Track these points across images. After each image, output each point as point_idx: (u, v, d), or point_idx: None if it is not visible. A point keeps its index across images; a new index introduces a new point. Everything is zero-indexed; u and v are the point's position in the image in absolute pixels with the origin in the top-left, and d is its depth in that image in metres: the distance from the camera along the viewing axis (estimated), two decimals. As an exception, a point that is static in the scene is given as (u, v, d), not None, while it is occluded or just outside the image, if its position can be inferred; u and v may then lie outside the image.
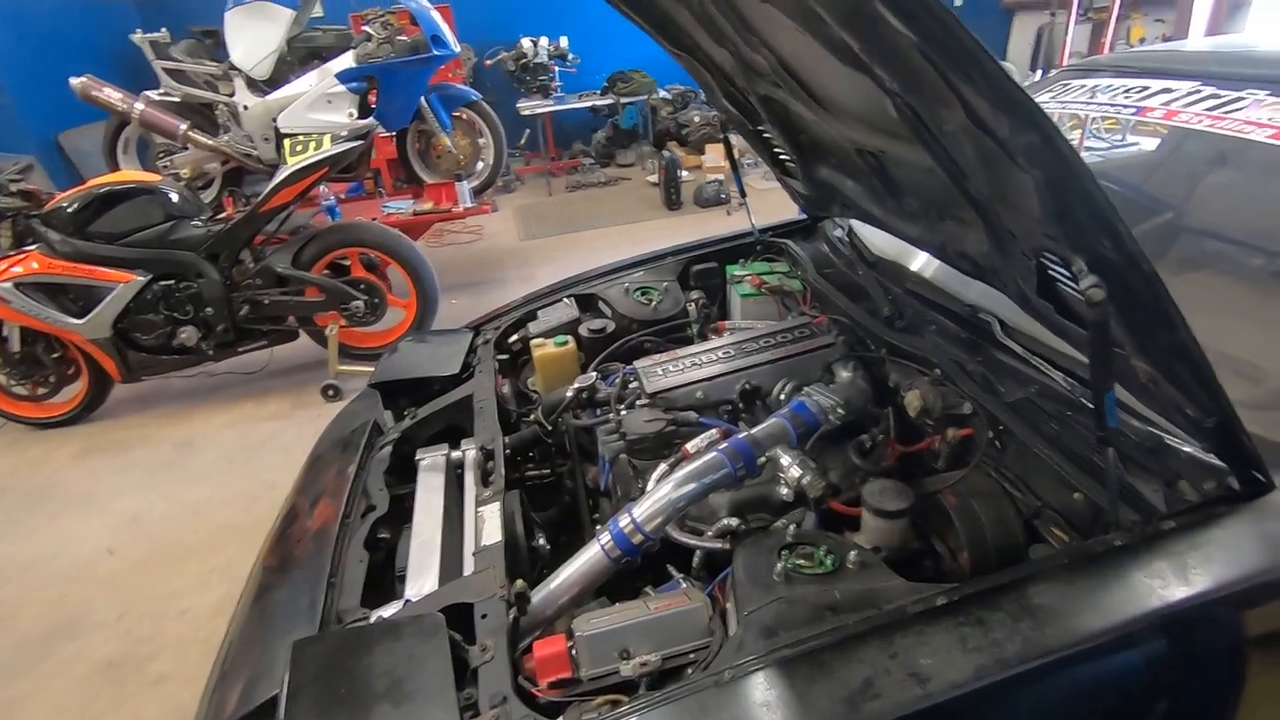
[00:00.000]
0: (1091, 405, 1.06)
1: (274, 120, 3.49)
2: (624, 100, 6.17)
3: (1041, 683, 0.77)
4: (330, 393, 3.13)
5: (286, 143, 2.83)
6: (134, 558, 2.32)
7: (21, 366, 2.95)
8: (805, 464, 1.16)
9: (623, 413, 1.40)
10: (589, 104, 6.21)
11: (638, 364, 1.49)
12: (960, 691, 0.74)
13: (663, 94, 6.40)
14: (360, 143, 2.87)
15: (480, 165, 4.07)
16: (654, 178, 6.19)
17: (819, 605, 0.88)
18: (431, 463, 1.63)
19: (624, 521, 1.12)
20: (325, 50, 3.63)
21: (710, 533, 1.19)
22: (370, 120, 3.06)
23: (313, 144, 2.81)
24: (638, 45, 6.92)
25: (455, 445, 1.65)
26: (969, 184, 0.96)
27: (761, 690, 0.79)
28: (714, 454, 1.16)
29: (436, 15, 3.47)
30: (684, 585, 1.16)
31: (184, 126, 3.54)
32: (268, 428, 3.02)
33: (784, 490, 1.17)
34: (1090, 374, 0.82)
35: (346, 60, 3.45)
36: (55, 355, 2.98)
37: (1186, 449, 0.96)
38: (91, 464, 2.91)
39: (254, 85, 3.51)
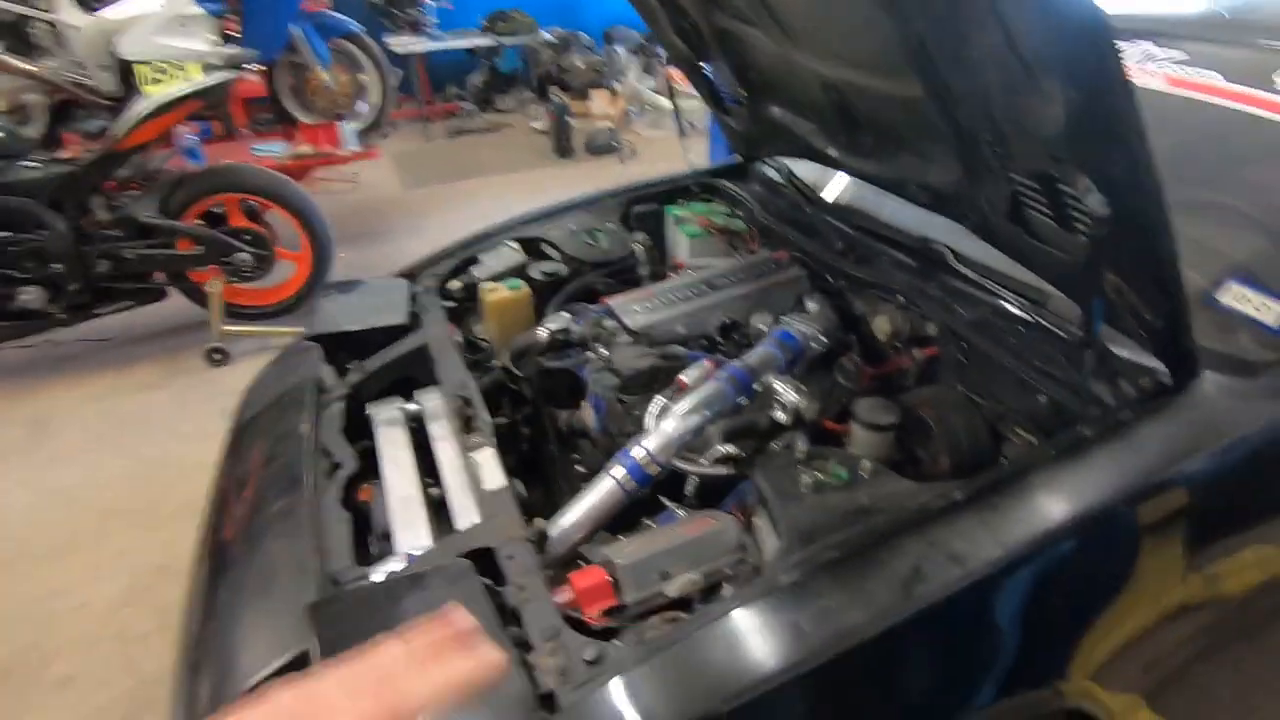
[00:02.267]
0: (1043, 321, 1.21)
1: (112, 45, 2.98)
2: (504, 41, 5.86)
3: (1052, 551, 0.89)
4: (216, 357, 2.83)
5: (141, 70, 2.44)
6: (-2, 558, 2.02)
7: None
8: (798, 388, 1.22)
9: (603, 351, 1.39)
10: (468, 43, 5.85)
11: (611, 302, 1.48)
12: (993, 568, 0.84)
13: (545, 36, 6.15)
14: (235, 74, 2.54)
15: (363, 105, 3.73)
16: (539, 124, 6.00)
17: (851, 509, 0.95)
18: (387, 417, 1.54)
19: (637, 453, 1.14)
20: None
21: (706, 461, 1.23)
22: (247, 50, 2.70)
23: (177, 73, 2.45)
24: (513, -19, 6.58)
25: (408, 397, 1.58)
26: (960, 112, 1.03)
27: (820, 588, 0.85)
28: (716, 383, 1.20)
29: (305, -69, 3.10)
30: (682, 514, 1.20)
31: (-8, 48, 2.94)
32: (140, 399, 2.69)
33: (779, 414, 1.23)
34: (1078, 294, 0.92)
35: (200, -23, 3.00)
36: None
37: (1123, 353, 1.11)
38: (-85, 454, 2.45)
39: (82, 0, 2.97)
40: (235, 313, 2.92)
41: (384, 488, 1.35)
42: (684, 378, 1.27)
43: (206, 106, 2.62)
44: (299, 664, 0.93)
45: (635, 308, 1.44)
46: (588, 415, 1.43)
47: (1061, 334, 1.17)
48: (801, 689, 0.79)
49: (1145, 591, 0.99)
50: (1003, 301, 1.29)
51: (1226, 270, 1.18)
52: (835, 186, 1.89)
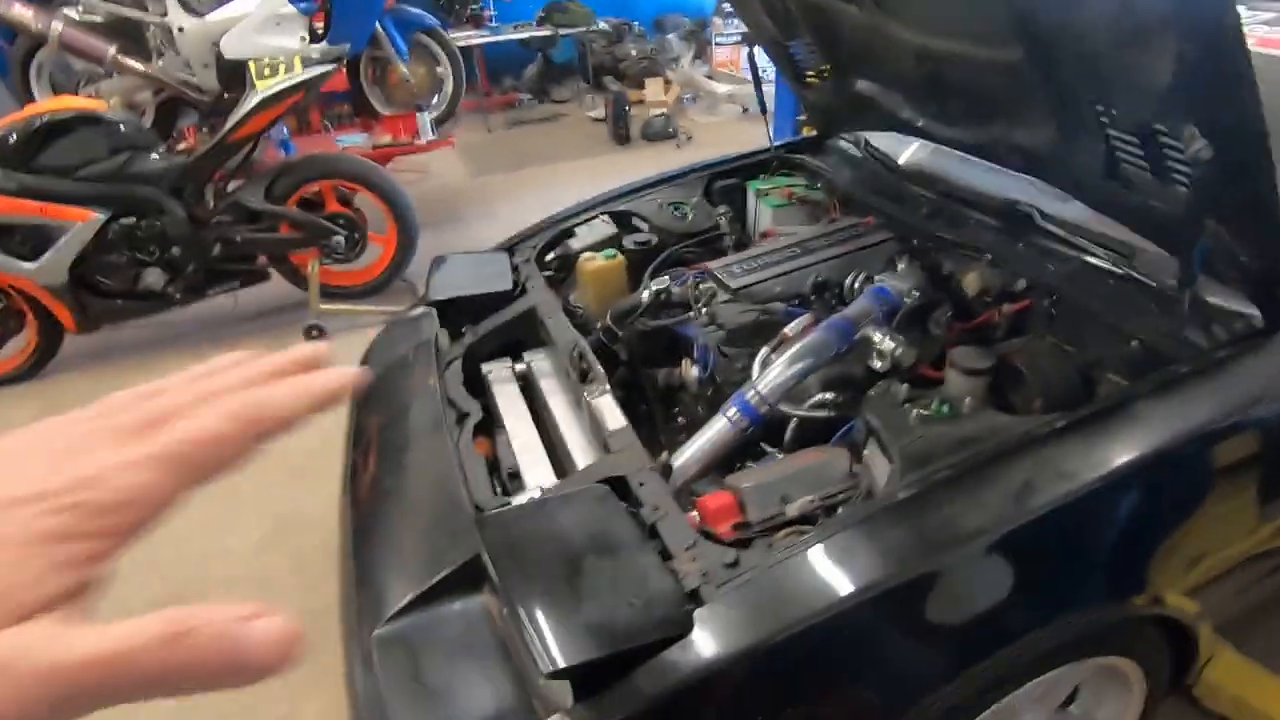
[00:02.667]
0: (1133, 273, 1.27)
1: (215, 44, 3.21)
2: (562, 32, 5.99)
3: (1148, 473, 0.97)
4: (314, 333, 3.03)
5: (252, 65, 2.63)
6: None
7: (-43, 321, 2.68)
8: (896, 337, 1.31)
9: (705, 310, 1.51)
10: (525, 35, 6.00)
11: (712, 265, 1.59)
12: (1103, 482, 0.93)
13: (602, 25, 6.25)
14: (335, 66, 2.72)
15: (436, 97, 3.91)
16: (595, 113, 6.11)
17: (958, 438, 1.04)
18: (500, 374, 1.69)
19: (750, 395, 1.25)
20: (267, -34, 3.33)
21: (807, 406, 1.33)
22: (344, 45, 2.88)
23: (282, 67, 2.64)
24: (567, -27, 6.68)
25: (517, 358, 1.72)
26: (1062, 74, 1.10)
27: (938, 500, 0.94)
28: (820, 333, 1.30)
29: (388, -70, 3.26)
30: (781, 457, 1.31)
31: (112, 50, 3.19)
32: (251, 372, 2.91)
33: (877, 362, 1.32)
34: (1184, 228, 0.99)
35: (292, -22, 3.20)
36: (0, 306, 2.73)
37: (1213, 298, 1.17)
38: (59, 421, 2.71)
39: (188, 4, 3.20)
40: (328, 292, 3.12)
41: (507, 434, 1.50)
42: (787, 330, 1.37)
43: (306, 98, 2.80)
44: (472, 566, 1.08)
45: (734, 270, 1.55)
46: (688, 370, 1.55)
47: (1152, 284, 1.23)
48: (924, 587, 0.89)
49: (1222, 524, 1.06)
50: (1090, 257, 1.35)
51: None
52: (908, 154, 1.95)
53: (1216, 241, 1.06)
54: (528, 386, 1.66)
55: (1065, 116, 1.18)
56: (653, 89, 6.21)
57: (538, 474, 1.38)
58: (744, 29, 6.60)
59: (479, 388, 1.64)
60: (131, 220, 2.66)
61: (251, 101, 2.60)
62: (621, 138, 5.45)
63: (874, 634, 0.89)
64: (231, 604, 0.26)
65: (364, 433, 1.63)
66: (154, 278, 2.76)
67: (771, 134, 2.18)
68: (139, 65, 3.28)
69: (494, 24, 5.99)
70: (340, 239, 2.94)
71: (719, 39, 6.78)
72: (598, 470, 1.19)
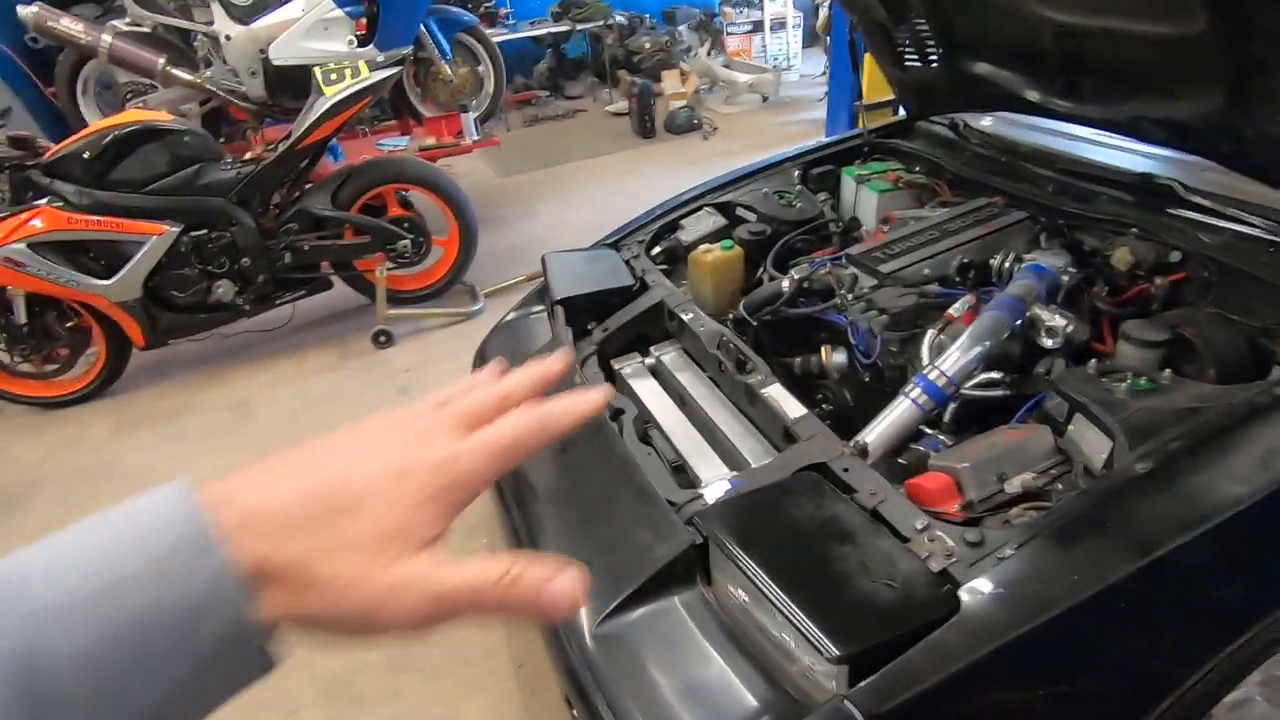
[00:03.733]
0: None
1: (261, 51, 3.17)
2: (579, 27, 5.97)
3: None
4: (382, 339, 3.02)
5: (318, 71, 2.60)
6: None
7: (30, 340, 2.65)
8: (1065, 314, 1.32)
9: (852, 298, 1.51)
10: (543, 31, 5.97)
11: (852, 251, 1.59)
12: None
13: (618, 18, 6.23)
14: (400, 69, 2.70)
15: (476, 98, 3.89)
16: (614, 107, 6.10)
17: (1175, 409, 1.06)
18: (633, 369, 1.69)
19: (934, 375, 1.25)
20: (311, -29, 3.30)
21: (974, 385, 1.34)
22: (406, 48, 2.85)
23: (348, 72, 2.61)
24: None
25: (645, 353, 1.72)
26: (1253, 45, 1.11)
27: (1182, 472, 0.96)
28: (995, 312, 1.30)
29: (431, -70, 3.23)
30: (943, 439, 1.32)
31: (162, 61, 3.15)
32: (324, 381, 2.89)
33: (1048, 340, 1.33)
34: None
35: (338, -19, 3.17)
36: (69, 324, 2.69)
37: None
38: (136, 438, 2.69)
39: (232, 11, 3.16)
40: (391, 297, 3.10)
41: (661, 429, 1.50)
42: (951, 312, 1.38)
43: (372, 101, 2.78)
44: (682, 560, 1.08)
45: (877, 255, 1.55)
46: (828, 357, 1.55)
47: (1319, 250, 1.25)
48: (1185, 560, 0.90)
49: None
50: (1243, 226, 1.37)
51: None
52: (996, 131, 1.96)
53: None
54: (661, 380, 1.67)
55: (1239, 86, 1.19)
56: (670, 81, 6.20)
57: (709, 467, 1.39)
58: (763, 19, 6.61)
59: (613, 383, 1.64)
60: (203, 232, 2.63)
61: (321, 108, 2.58)
62: (646, 131, 5.44)
63: (1138, 611, 0.90)
64: (545, 562, 0.34)
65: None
66: (225, 289, 2.74)
67: (825, 130, 2.20)
68: (188, 75, 3.24)
69: (511, 21, 5.95)
70: (407, 242, 2.92)
71: (730, 28, 6.78)
72: (792, 459, 1.20)
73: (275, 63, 3.16)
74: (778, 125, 5.50)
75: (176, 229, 2.56)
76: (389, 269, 2.95)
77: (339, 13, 3.16)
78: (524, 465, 1.50)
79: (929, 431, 1.36)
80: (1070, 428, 1.15)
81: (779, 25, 6.71)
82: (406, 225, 2.93)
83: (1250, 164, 1.30)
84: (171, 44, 3.23)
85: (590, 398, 0.40)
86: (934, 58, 1.85)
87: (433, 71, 3.68)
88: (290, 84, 3.19)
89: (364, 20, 3.33)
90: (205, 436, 2.65)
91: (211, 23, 3.17)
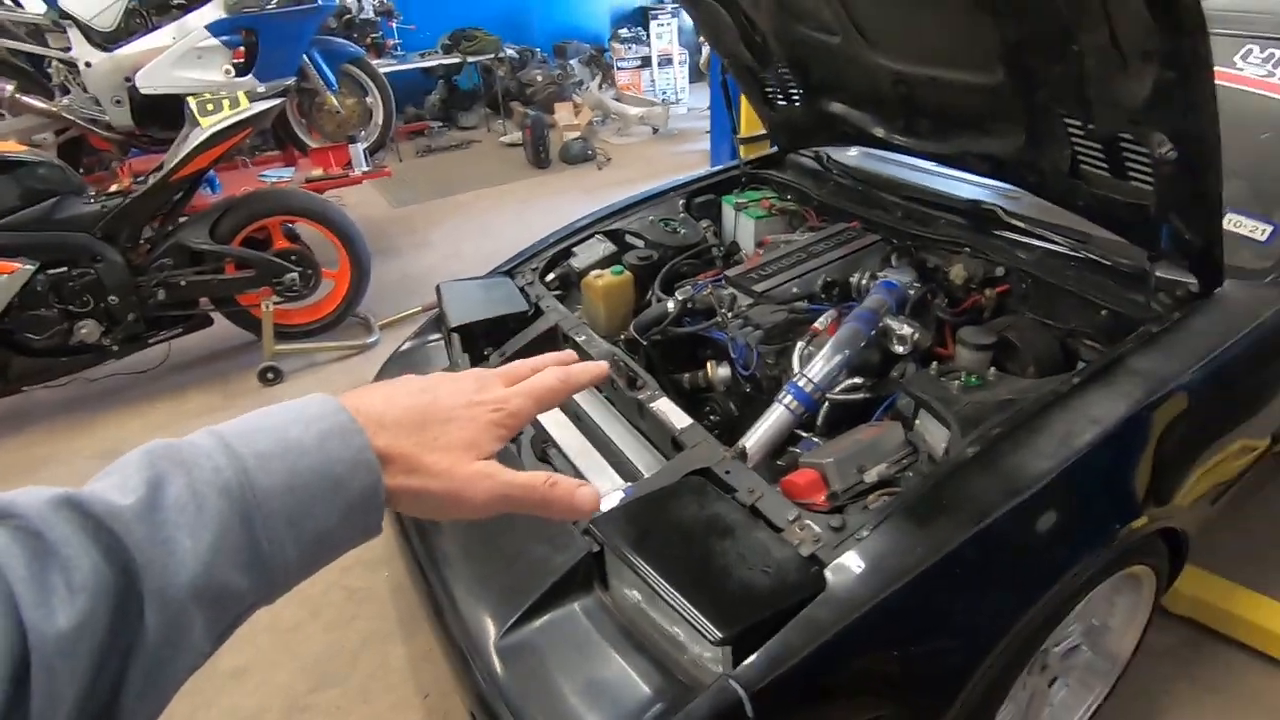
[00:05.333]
0: (1091, 255, 1.52)
1: (127, 79, 3.01)
2: (469, 60, 6.01)
3: (1154, 409, 1.19)
4: (270, 376, 2.90)
5: (193, 101, 2.51)
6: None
7: None
8: (911, 323, 1.50)
9: (732, 316, 1.64)
10: (434, 63, 5.97)
11: (729, 274, 1.73)
12: (1121, 422, 1.14)
13: (509, 52, 6.32)
14: (282, 100, 2.65)
15: (364, 129, 3.84)
16: (509, 138, 6.16)
17: (996, 401, 1.23)
18: (531, 392, 1.74)
19: (802, 382, 1.39)
20: (182, -1, 3.18)
21: (839, 391, 1.49)
22: (287, 78, 2.79)
23: (226, 103, 2.54)
24: (463, 3, 6.74)
25: (542, 376, 1.78)
26: (1041, 94, 1.33)
27: (998, 453, 1.12)
28: (851, 324, 1.46)
29: (312, -39, 3.20)
30: (817, 441, 1.46)
31: (10, 88, 2.91)
32: (207, 422, 2.72)
33: (898, 346, 1.50)
34: (1155, 210, 1.24)
35: (214, 10, 3.06)
36: (-97, 374, 2.43)
37: (1159, 273, 1.44)
38: (-16, 495, 2.44)
39: (93, 37, 2.98)
40: (279, 332, 3.00)
41: (559, 447, 1.56)
42: (816, 325, 1.53)
43: (252, 133, 2.71)
44: (579, 568, 1.14)
45: (752, 276, 1.69)
46: (714, 371, 1.67)
47: (1107, 263, 1.49)
48: (1006, 526, 1.06)
49: (1210, 440, 1.31)
50: (1051, 244, 1.60)
51: (1224, 205, 1.52)
52: (854, 163, 2.19)
53: (1168, 221, 1.32)
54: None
55: (1035, 128, 1.42)
56: (563, 113, 6.33)
57: (604, 479, 1.46)
58: (650, 55, 6.91)
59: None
60: (62, 270, 2.46)
61: (197, 139, 2.49)
62: (541, 161, 5.53)
63: (973, 572, 1.05)
64: (572, 479, 0.49)
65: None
66: (89, 330, 2.56)
67: (710, 160, 2.37)
68: (41, 103, 3.03)
69: (399, 52, 5.91)
70: (294, 275, 2.84)
71: (620, 63, 7.04)
72: (680, 465, 1.29)
73: (143, 91, 3.01)
74: (668, 155, 5.74)
75: (30, 267, 2.38)
76: (276, 303, 2.86)
77: (214, 41, 3.07)
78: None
79: (805, 435, 1.49)
80: (917, 422, 1.31)
81: (666, 61, 7.03)
82: (293, 258, 2.86)
83: (1050, 192, 1.53)
84: (21, 70, 3.01)
85: (600, 364, 0.57)
86: (796, 98, 2.04)
87: (318, 102, 3.62)
88: (160, 113, 3.05)
89: (242, 49, 3.25)
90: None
91: (69, 49, 2.99)
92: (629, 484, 1.36)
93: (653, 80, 7.06)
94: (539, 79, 6.58)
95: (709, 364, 1.70)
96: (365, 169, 3.60)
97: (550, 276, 2.05)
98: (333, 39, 3.61)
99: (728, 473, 1.24)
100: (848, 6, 1.54)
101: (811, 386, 1.39)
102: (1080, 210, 1.49)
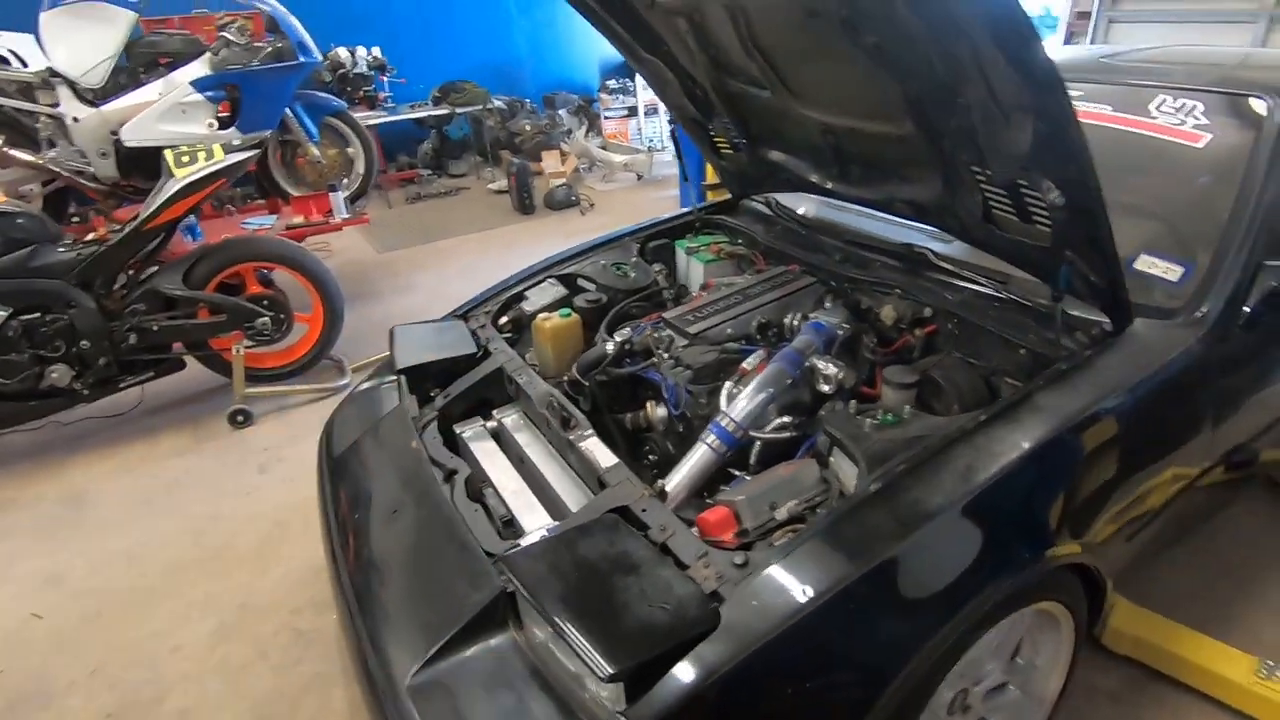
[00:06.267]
0: (1011, 296, 1.57)
1: (113, 134, 3.13)
2: (459, 111, 6.21)
3: (1057, 445, 1.21)
4: (240, 419, 2.94)
5: (169, 154, 2.61)
6: (76, 615, 2.07)
7: None
8: (837, 363, 1.54)
9: (667, 356, 1.68)
10: (423, 114, 6.16)
11: (667, 315, 1.77)
12: (1021, 458, 1.16)
13: (497, 103, 6.53)
14: (255, 152, 2.75)
15: (347, 178, 3.96)
16: (496, 185, 6.32)
17: (906, 438, 1.26)
18: (475, 433, 1.78)
19: (725, 422, 1.42)
20: (170, 56, 3.31)
21: (769, 429, 1.52)
22: (263, 131, 2.90)
23: (201, 154, 2.64)
24: (456, 56, 6.99)
25: (487, 417, 1.82)
26: (945, 144, 1.40)
27: (900, 488, 1.14)
28: (776, 365, 1.50)
29: (296, 20, 3.35)
30: (747, 479, 1.48)
31: (-1, 141, 3.04)
32: (176, 464, 2.76)
33: (825, 386, 1.54)
34: (1049, 257, 1.28)
35: (200, 68, 3.20)
36: (-128, 418, 2.47)
37: (1074, 310, 1.48)
38: (-55, 539, 2.46)
39: (82, 95, 3.11)
40: (252, 375, 3.04)
41: (494, 486, 1.58)
42: (745, 365, 1.57)
43: (227, 184, 2.80)
44: (494, 606, 1.16)
45: (688, 318, 1.74)
46: (653, 411, 1.70)
47: (1027, 304, 1.53)
48: (903, 560, 1.08)
49: (1122, 477, 1.33)
50: (976, 286, 1.65)
51: (1138, 247, 1.57)
52: (803, 209, 2.25)
53: (1073, 267, 1.36)
54: (501, 441, 1.76)
55: (949, 175, 1.48)
56: (550, 161, 6.51)
57: (534, 518, 1.48)
58: (636, 104, 7.13)
59: (455, 448, 1.71)
60: (35, 316, 2.52)
61: (171, 189, 2.57)
62: (526, 207, 5.66)
63: (868, 606, 1.06)
64: None
65: (344, 503, 1.65)
66: (60, 374, 2.61)
67: (680, 203, 2.45)
68: (28, 156, 3.14)
69: (390, 104, 6.12)
70: (266, 320, 2.90)
71: (607, 113, 7.26)
72: (601, 503, 1.31)
73: (127, 144, 3.12)
74: (650, 200, 5.87)
75: (4, 313, 2.44)
76: (248, 347, 2.91)
77: (198, 97, 3.20)
78: (358, 530, 1.54)
79: (737, 473, 1.51)
80: (832, 459, 1.33)
81: (652, 110, 7.25)
82: (265, 303, 2.92)
83: (970, 236, 1.59)
84: (8, 122, 3.13)
85: None
86: (741, 148, 2.12)
87: (299, 153, 3.74)
88: (143, 165, 3.16)
89: (228, 103, 3.38)
90: (32, 532, 2.46)
91: (57, 104, 3.11)
92: (555, 523, 1.37)
93: (639, 129, 7.27)
94: (527, 128, 6.78)
95: (648, 404, 1.73)
96: (345, 216, 3.70)
97: (504, 319, 2.10)
98: (316, 94, 3.76)
99: (644, 511, 1.26)
100: (772, 64, 1.62)
101: (733, 425, 1.42)
102: (998, 253, 1.55)
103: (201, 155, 2.63)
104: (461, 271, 4.55)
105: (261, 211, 3.97)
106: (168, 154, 2.59)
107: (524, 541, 1.32)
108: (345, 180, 3.99)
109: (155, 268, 2.78)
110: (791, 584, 1.05)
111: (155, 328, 2.73)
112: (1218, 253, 1.48)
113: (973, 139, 1.27)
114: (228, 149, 2.70)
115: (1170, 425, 1.40)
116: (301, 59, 3.33)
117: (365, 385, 2.08)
